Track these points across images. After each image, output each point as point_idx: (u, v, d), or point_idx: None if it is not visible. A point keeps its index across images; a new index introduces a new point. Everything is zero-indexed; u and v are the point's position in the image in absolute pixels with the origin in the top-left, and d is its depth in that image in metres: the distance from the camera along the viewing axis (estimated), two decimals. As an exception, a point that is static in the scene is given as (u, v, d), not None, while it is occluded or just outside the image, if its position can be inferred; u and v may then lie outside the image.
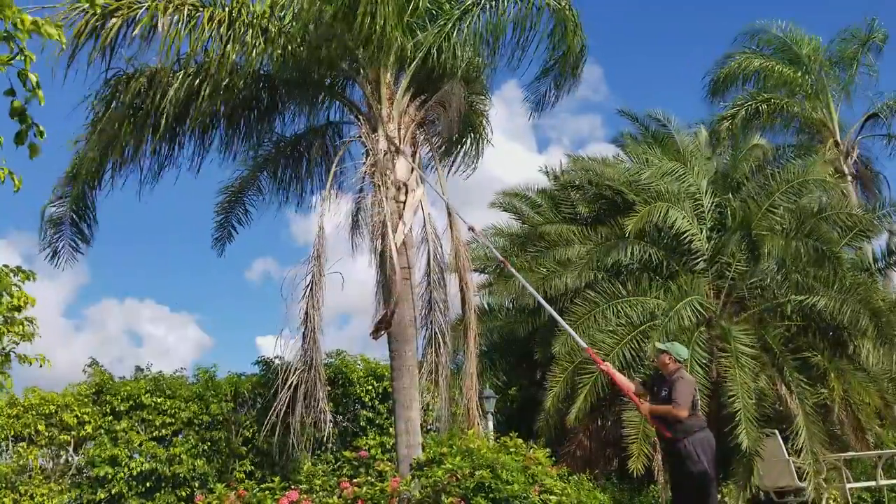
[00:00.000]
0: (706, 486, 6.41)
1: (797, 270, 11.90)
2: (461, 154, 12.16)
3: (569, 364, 11.59)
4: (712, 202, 12.93)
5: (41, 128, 3.42)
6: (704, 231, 12.53)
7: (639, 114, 16.23)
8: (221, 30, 8.59)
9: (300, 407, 9.00)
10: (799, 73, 19.21)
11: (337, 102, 11.25)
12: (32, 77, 3.30)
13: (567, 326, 8.25)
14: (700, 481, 6.37)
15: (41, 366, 8.53)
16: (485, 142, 12.17)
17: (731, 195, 12.97)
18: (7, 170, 3.65)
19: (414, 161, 10.13)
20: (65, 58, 8.21)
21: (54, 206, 10.64)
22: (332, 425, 9.40)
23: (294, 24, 8.94)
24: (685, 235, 12.22)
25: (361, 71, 10.17)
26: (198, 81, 9.04)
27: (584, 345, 7.87)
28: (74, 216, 10.72)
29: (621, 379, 7.20)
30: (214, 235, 12.24)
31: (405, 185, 9.88)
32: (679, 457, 6.42)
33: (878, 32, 19.29)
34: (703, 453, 6.34)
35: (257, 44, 8.74)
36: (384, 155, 9.81)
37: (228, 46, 8.60)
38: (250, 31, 8.73)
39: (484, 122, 12.04)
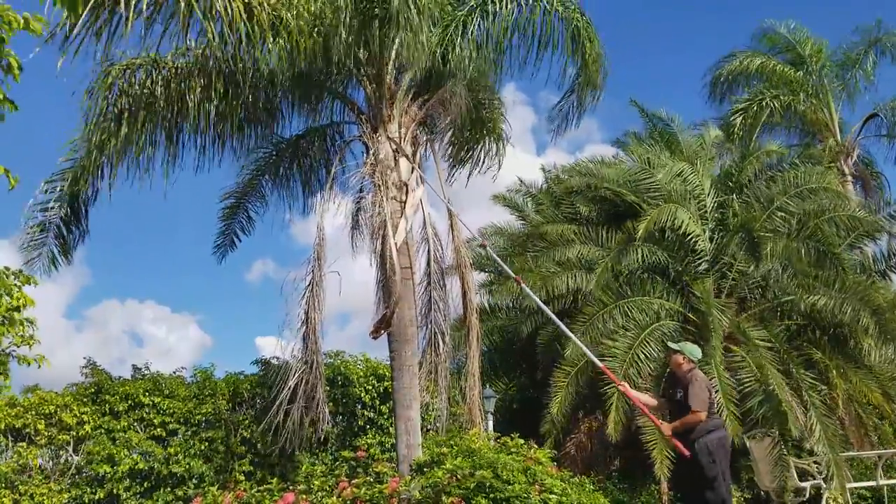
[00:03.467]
0: (720, 487, 6.35)
1: (799, 271, 11.90)
2: (482, 154, 12.03)
3: (571, 368, 11.61)
4: (714, 202, 12.92)
5: (13, 103, 3.53)
6: (707, 231, 12.53)
7: (646, 110, 16.22)
8: (232, 15, 8.39)
9: (299, 407, 8.98)
10: (800, 73, 19.22)
11: (338, 102, 11.23)
12: (12, 60, 3.38)
13: (585, 348, 8.07)
14: (714, 482, 6.32)
15: (39, 366, 8.51)
16: (505, 142, 12.04)
17: (733, 196, 12.96)
18: (2, 168, 3.67)
19: (415, 161, 10.10)
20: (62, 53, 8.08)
21: (41, 209, 10.22)
22: (331, 425, 9.36)
23: (302, 19, 8.82)
24: (690, 237, 12.21)
25: (363, 70, 10.14)
26: (200, 76, 8.98)
27: (601, 364, 7.69)
28: (61, 226, 10.40)
29: (639, 398, 7.12)
30: (216, 242, 12.15)
31: (405, 184, 9.85)
32: (694, 457, 6.35)
33: (888, 36, 19.25)
34: (717, 454, 6.30)
35: (267, 37, 8.61)
36: (385, 155, 9.79)
37: (240, 34, 8.40)
38: (261, 19, 8.60)
39: (501, 121, 11.91)
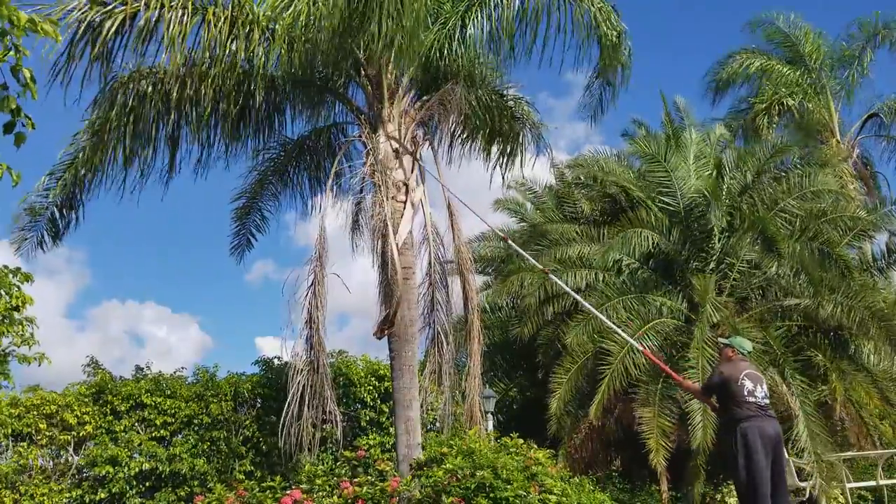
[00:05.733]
0: (742, 474, 6.35)
1: (803, 272, 11.88)
2: (519, 147, 11.90)
3: (572, 365, 11.60)
4: (727, 201, 12.83)
5: (31, 119, 3.47)
6: (716, 231, 12.52)
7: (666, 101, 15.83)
8: (224, 28, 8.49)
9: (307, 409, 8.98)
10: (800, 73, 19.16)
11: (339, 103, 11.22)
12: (26, 72, 3.34)
13: (617, 328, 8.44)
14: (738, 470, 6.36)
15: (39, 364, 8.53)
16: (542, 130, 11.96)
17: (742, 197, 12.92)
18: (5, 165, 3.66)
19: (414, 161, 10.10)
20: (63, 55, 8.11)
21: (38, 196, 10.53)
22: (338, 425, 9.36)
23: (298, 24, 8.86)
24: (704, 234, 12.21)
25: (362, 71, 10.15)
26: (200, 82, 8.99)
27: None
28: (56, 212, 10.63)
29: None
30: (232, 243, 12.25)
31: (405, 184, 9.86)
32: (728, 446, 6.48)
33: (888, 26, 19.07)
34: (745, 443, 6.31)
35: (261, 43, 8.65)
36: (384, 155, 9.79)
37: (233, 45, 8.50)
38: (255, 29, 8.67)
39: (531, 111, 11.81)
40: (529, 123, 11.83)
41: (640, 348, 8.25)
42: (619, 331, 8.54)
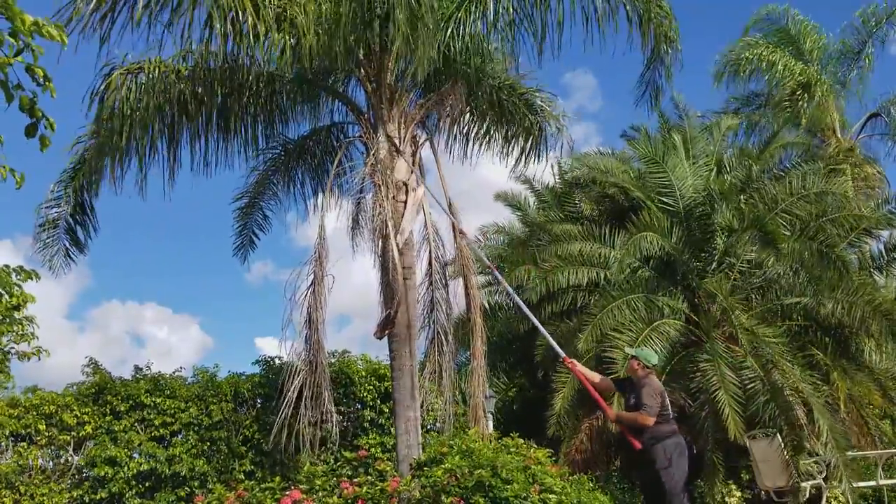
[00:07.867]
0: (678, 492, 6.36)
1: (805, 271, 11.86)
2: (542, 141, 11.73)
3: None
4: (728, 200, 12.78)
5: (51, 120, 3.43)
6: (719, 231, 12.50)
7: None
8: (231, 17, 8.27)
9: (304, 408, 8.97)
10: (808, 70, 19.08)
11: (339, 102, 11.21)
12: (39, 71, 3.30)
13: (546, 332, 8.24)
14: (672, 487, 6.33)
15: (39, 359, 8.52)
16: (564, 120, 11.73)
17: (741, 196, 12.90)
18: (7, 167, 3.64)
19: (414, 161, 10.09)
20: (67, 54, 8.02)
21: (49, 207, 10.53)
22: (335, 425, 9.36)
23: (305, 17, 8.75)
24: (707, 235, 12.18)
25: (363, 70, 10.13)
26: (202, 77, 8.94)
27: (563, 353, 7.72)
28: (70, 221, 10.64)
29: (586, 374, 7.22)
30: (235, 243, 12.22)
31: (405, 184, 9.84)
32: (652, 462, 6.41)
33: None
34: (676, 459, 6.31)
35: (269, 35, 8.52)
36: (384, 155, 9.77)
37: (245, 32, 8.30)
38: (263, 19, 8.55)
39: (549, 102, 11.57)
40: (548, 115, 11.54)
41: (570, 366, 7.50)
42: (555, 345, 8.08)
